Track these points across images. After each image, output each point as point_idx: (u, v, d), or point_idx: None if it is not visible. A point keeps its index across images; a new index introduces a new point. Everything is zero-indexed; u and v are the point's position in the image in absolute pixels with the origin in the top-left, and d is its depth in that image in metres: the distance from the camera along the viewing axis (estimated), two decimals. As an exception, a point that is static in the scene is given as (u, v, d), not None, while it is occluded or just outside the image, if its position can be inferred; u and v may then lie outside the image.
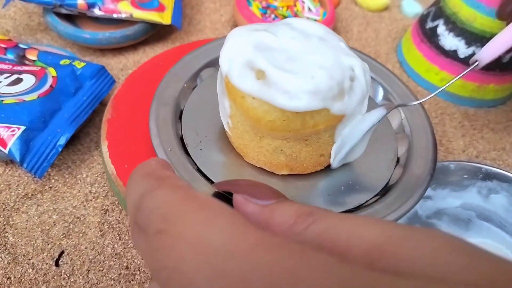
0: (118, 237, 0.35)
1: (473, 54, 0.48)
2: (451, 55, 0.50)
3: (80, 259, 0.33)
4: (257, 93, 0.26)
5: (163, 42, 0.53)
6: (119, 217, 0.36)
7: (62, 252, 0.33)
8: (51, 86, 0.38)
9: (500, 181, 0.38)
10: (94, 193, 0.37)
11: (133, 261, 0.34)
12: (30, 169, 0.35)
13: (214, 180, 0.31)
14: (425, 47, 0.52)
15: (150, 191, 0.14)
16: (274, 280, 0.11)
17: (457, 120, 0.50)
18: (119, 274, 0.33)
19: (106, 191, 0.37)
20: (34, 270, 0.32)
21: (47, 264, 0.33)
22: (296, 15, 0.53)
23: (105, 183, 0.38)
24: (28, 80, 0.39)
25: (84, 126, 0.41)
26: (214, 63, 0.39)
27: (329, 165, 0.33)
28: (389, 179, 0.34)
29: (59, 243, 0.34)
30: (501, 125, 0.51)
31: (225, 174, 0.32)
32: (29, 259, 0.33)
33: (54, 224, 0.35)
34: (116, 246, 0.34)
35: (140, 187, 0.15)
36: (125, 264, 0.33)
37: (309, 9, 0.54)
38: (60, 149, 0.36)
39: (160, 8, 0.50)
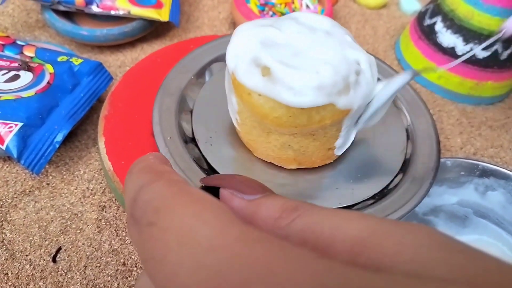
0: (115, 234, 0.35)
1: (471, 51, 0.48)
2: (449, 52, 0.50)
3: (77, 256, 0.33)
4: (262, 90, 0.26)
5: (161, 39, 0.53)
6: (116, 213, 0.36)
7: (60, 249, 0.34)
8: (48, 82, 0.38)
9: (497, 178, 0.38)
10: (91, 190, 0.37)
11: (130, 257, 0.34)
12: (28, 166, 0.35)
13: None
14: (423, 44, 0.52)
15: (146, 184, 0.15)
16: (249, 273, 0.11)
17: (455, 117, 0.50)
18: (116, 270, 0.33)
19: (103, 188, 0.37)
20: (32, 266, 0.32)
21: (44, 260, 0.33)
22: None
23: (102, 180, 0.38)
24: (26, 77, 0.39)
25: (82, 123, 0.42)
26: (223, 58, 0.39)
27: (338, 159, 0.33)
28: (397, 172, 0.34)
29: (57, 240, 0.34)
30: (499, 122, 0.51)
31: (235, 169, 0.32)
32: (27, 255, 0.33)
33: (52, 221, 0.35)
34: (113, 242, 0.34)
35: (138, 180, 0.15)
36: (122, 260, 0.33)
37: (307, 6, 0.54)
38: (57, 146, 0.36)
39: (158, 5, 0.50)
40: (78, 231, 0.35)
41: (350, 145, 0.34)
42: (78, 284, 0.32)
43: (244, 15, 0.52)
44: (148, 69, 0.39)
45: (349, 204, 0.31)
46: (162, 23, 0.53)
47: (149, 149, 0.31)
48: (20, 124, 0.35)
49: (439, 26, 0.50)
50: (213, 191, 0.18)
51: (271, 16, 0.52)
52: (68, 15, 0.50)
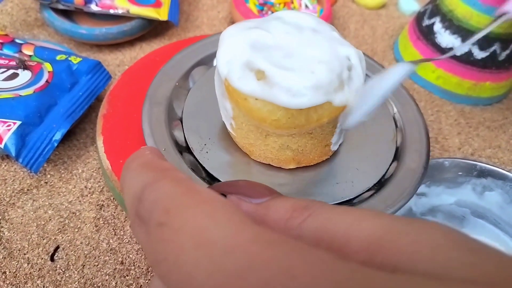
0: (113, 232, 0.35)
1: (470, 51, 0.49)
2: (448, 52, 0.50)
3: (75, 254, 0.33)
4: (259, 94, 0.26)
5: (160, 38, 0.53)
6: (114, 212, 0.36)
7: (58, 247, 0.34)
8: (47, 81, 0.38)
9: (494, 178, 0.38)
10: (89, 189, 0.37)
11: (128, 256, 0.34)
12: (26, 164, 0.35)
13: (222, 181, 0.31)
14: (422, 44, 0.52)
15: (151, 183, 0.14)
16: (270, 277, 0.11)
17: (453, 117, 0.50)
18: (114, 269, 0.33)
19: (101, 187, 0.37)
20: (29, 265, 0.32)
21: (42, 259, 0.33)
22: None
23: (100, 179, 0.38)
24: (24, 75, 0.39)
25: (80, 121, 0.42)
26: (205, 61, 0.39)
27: (334, 154, 0.33)
28: (392, 160, 0.34)
29: (55, 238, 0.34)
30: (497, 123, 0.51)
31: (233, 174, 0.32)
32: (25, 254, 0.33)
33: (50, 219, 0.35)
34: (111, 241, 0.34)
35: (140, 178, 0.15)
36: (120, 259, 0.33)
37: (306, 6, 0.54)
38: (55, 144, 0.36)
39: (157, 4, 0.50)
40: (76, 229, 0.35)
41: (343, 139, 0.35)
42: (76, 283, 0.32)
43: (243, 14, 0.52)
44: (147, 68, 0.39)
45: (351, 197, 0.32)
46: (161, 22, 0.53)
47: (148, 148, 0.31)
48: (18, 123, 0.35)
49: (438, 27, 0.51)
50: None
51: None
52: (67, 14, 0.50)
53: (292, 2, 0.54)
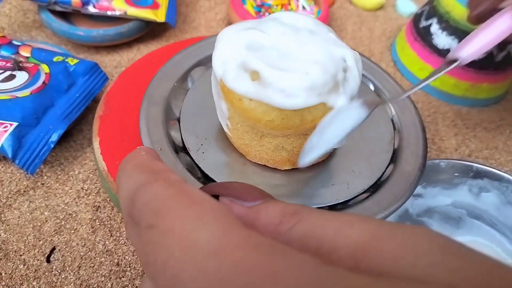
0: (109, 234, 0.35)
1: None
2: (444, 54, 0.50)
3: (71, 256, 0.33)
4: (254, 95, 0.26)
5: (158, 40, 0.53)
6: (110, 214, 0.36)
7: (54, 249, 0.34)
8: (43, 82, 0.39)
9: (490, 179, 0.38)
10: (86, 190, 0.37)
11: (124, 257, 0.34)
12: (22, 165, 0.35)
13: (217, 182, 0.31)
14: (419, 46, 0.52)
15: (144, 184, 0.14)
16: (252, 280, 0.11)
17: (450, 119, 0.50)
18: (110, 271, 0.33)
19: (98, 188, 0.37)
20: (25, 266, 0.32)
21: (38, 260, 0.33)
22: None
23: (97, 180, 0.38)
24: (21, 77, 0.39)
25: (77, 123, 0.42)
26: (204, 62, 0.39)
27: (330, 155, 0.33)
28: (389, 163, 0.34)
29: (51, 240, 0.34)
30: (494, 124, 0.51)
31: (229, 175, 0.32)
32: (21, 255, 0.33)
33: (46, 221, 0.35)
34: (107, 242, 0.34)
35: (134, 179, 0.15)
36: (116, 260, 0.33)
37: (303, 8, 0.54)
38: (52, 146, 0.36)
39: (154, 6, 0.50)
40: (73, 231, 0.35)
41: None
42: (72, 284, 0.32)
43: (241, 16, 0.52)
44: (144, 70, 0.39)
45: (346, 199, 0.32)
46: (158, 24, 0.53)
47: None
48: (15, 124, 0.35)
49: (435, 28, 0.51)
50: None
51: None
52: (64, 16, 0.50)
53: (289, 4, 0.54)
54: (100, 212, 0.36)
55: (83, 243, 0.34)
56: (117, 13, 0.48)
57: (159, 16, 0.50)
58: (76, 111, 0.38)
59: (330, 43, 0.28)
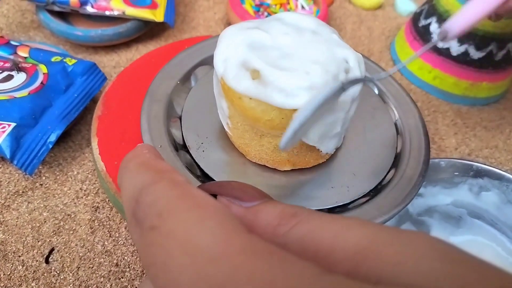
0: (108, 234, 0.35)
1: (466, 52, 0.49)
2: (444, 53, 0.50)
3: (70, 256, 0.33)
4: (253, 94, 0.26)
5: (156, 40, 0.53)
6: (109, 214, 0.36)
7: (52, 249, 0.33)
8: (42, 83, 0.38)
9: (491, 178, 0.38)
10: (84, 190, 0.37)
11: (123, 258, 0.33)
12: (21, 166, 0.35)
13: (217, 180, 0.30)
14: (418, 45, 0.52)
15: (148, 185, 0.14)
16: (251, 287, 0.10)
17: (450, 118, 0.50)
18: (109, 271, 0.33)
19: (96, 189, 0.37)
20: (24, 267, 0.32)
21: (37, 261, 0.33)
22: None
23: (96, 181, 0.38)
24: (19, 77, 0.39)
25: (76, 123, 0.41)
26: (208, 61, 0.39)
27: (331, 157, 0.33)
28: (390, 167, 0.34)
29: (50, 240, 0.34)
30: (494, 123, 0.51)
31: (229, 174, 0.32)
32: (19, 256, 0.33)
33: (45, 221, 0.35)
34: (106, 243, 0.34)
35: (138, 179, 0.15)
36: (115, 261, 0.33)
37: (302, 7, 0.54)
38: (50, 146, 0.36)
39: (153, 6, 0.50)
40: (71, 232, 0.35)
41: (342, 142, 0.34)
42: (71, 285, 0.32)
43: (240, 15, 0.52)
44: (142, 70, 0.39)
45: (345, 202, 0.31)
46: (157, 24, 0.53)
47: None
48: (13, 124, 0.35)
49: (434, 27, 0.51)
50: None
51: (266, 17, 0.52)
52: (63, 16, 0.50)
53: (288, 3, 0.54)
54: (99, 212, 0.36)
55: (82, 244, 0.34)
56: (116, 13, 0.48)
57: (158, 16, 0.49)
58: (74, 112, 0.38)
59: (332, 44, 0.28)
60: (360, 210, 0.31)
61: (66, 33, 0.47)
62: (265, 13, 0.52)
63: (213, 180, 0.31)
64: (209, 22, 0.57)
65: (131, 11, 0.48)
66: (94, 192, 0.37)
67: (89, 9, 0.48)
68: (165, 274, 0.12)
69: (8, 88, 0.38)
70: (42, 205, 0.36)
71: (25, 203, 0.36)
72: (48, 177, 0.38)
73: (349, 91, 0.27)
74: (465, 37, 0.48)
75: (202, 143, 0.33)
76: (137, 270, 0.33)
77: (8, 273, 0.32)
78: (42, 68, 0.40)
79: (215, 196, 0.18)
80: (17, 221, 0.35)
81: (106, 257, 0.33)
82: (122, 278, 0.33)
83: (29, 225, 0.35)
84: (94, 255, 0.33)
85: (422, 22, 0.52)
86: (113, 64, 0.49)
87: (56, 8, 0.48)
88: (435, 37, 0.50)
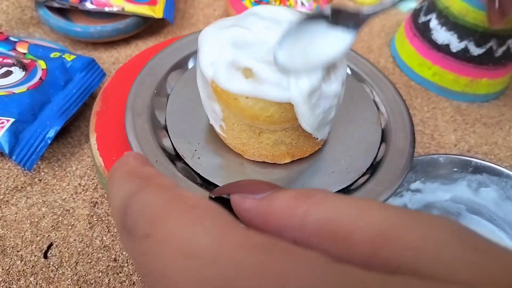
0: (106, 230, 0.35)
1: (466, 48, 0.48)
2: (444, 49, 0.50)
3: (68, 251, 0.33)
4: (250, 92, 0.26)
5: (156, 36, 0.53)
6: (108, 210, 0.36)
7: (51, 244, 0.34)
8: (40, 78, 0.38)
9: (489, 174, 0.38)
10: (83, 186, 0.37)
11: (122, 253, 0.34)
12: (19, 161, 0.35)
13: (219, 185, 0.30)
14: (418, 41, 0.52)
15: (135, 193, 0.14)
16: (258, 282, 0.10)
17: (449, 114, 0.50)
18: (107, 266, 0.33)
19: (95, 184, 0.37)
20: (23, 262, 0.32)
21: (35, 256, 0.33)
22: (289, 9, 0.53)
23: (94, 176, 0.38)
24: (18, 73, 0.39)
25: (75, 119, 0.41)
26: (180, 65, 0.38)
27: (324, 144, 0.34)
28: (380, 142, 0.35)
29: (48, 235, 0.34)
30: (494, 119, 0.50)
31: (228, 176, 0.31)
32: (18, 251, 0.33)
33: (43, 217, 0.35)
34: (104, 238, 0.34)
35: (124, 188, 0.14)
36: (113, 256, 0.33)
37: (302, 4, 0.54)
38: (49, 142, 0.36)
39: (152, 2, 0.50)
40: (70, 227, 0.35)
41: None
42: (69, 280, 0.32)
43: (239, 12, 0.52)
44: (141, 66, 0.39)
45: (348, 184, 0.32)
46: (156, 20, 0.53)
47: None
48: (12, 120, 0.35)
49: (434, 23, 0.50)
50: (223, 201, 0.17)
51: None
52: (62, 12, 0.50)
53: (288, 0, 0.54)
54: (97, 208, 0.36)
55: (81, 239, 0.34)
56: (115, 9, 0.48)
57: (157, 12, 0.49)
58: (73, 107, 0.38)
59: None
60: (364, 189, 0.31)
61: (66, 29, 0.47)
62: (265, 10, 0.52)
63: (215, 185, 0.31)
64: (209, 18, 0.57)
65: (131, 7, 0.48)
66: (92, 188, 0.37)
67: (88, 5, 0.48)
68: (165, 280, 0.11)
69: (7, 83, 0.38)
70: (40, 201, 0.36)
71: (24, 198, 0.36)
72: (47, 173, 0.38)
73: (338, 76, 0.28)
74: (465, 34, 0.48)
75: (195, 150, 0.32)
76: (135, 265, 0.33)
77: (7, 267, 0.32)
78: (41, 64, 0.40)
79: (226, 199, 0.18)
80: (16, 216, 0.35)
81: (105, 252, 0.34)
82: (120, 273, 0.33)
83: (28, 220, 0.35)
84: (93, 250, 0.34)
85: (422, 19, 0.52)
86: (112, 60, 0.49)
87: (56, 5, 0.48)
88: (435, 33, 0.50)
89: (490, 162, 0.38)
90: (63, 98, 0.38)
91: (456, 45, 0.49)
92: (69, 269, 0.32)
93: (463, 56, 0.49)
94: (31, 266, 0.32)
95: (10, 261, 0.32)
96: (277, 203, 0.15)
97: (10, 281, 0.31)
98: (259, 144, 0.31)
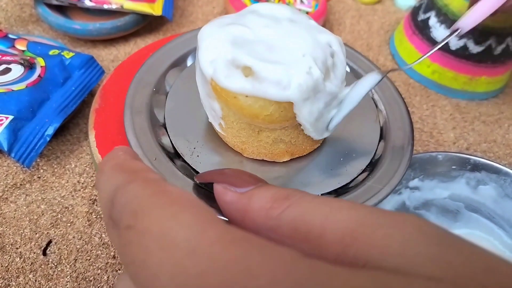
0: (105, 227, 0.35)
1: (465, 46, 0.48)
2: (443, 47, 0.49)
3: (67, 249, 0.33)
4: (250, 91, 0.26)
5: (155, 34, 0.53)
6: (107, 207, 0.36)
7: (50, 242, 0.34)
8: (39, 76, 0.38)
9: (488, 172, 0.38)
10: (82, 183, 0.37)
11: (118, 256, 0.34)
12: (18, 159, 0.35)
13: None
14: (417, 39, 0.52)
15: (122, 185, 0.14)
16: (229, 277, 0.11)
17: (448, 112, 0.50)
18: (106, 263, 0.33)
19: (94, 181, 0.37)
20: (22, 259, 0.32)
21: (34, 253, 0.33)
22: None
23: (93, 173, 0.38)
24: (17, 70, 0.39)
25: (74, 116, 0.41)
26: (178, 63, 0.38)
27: (323, 141, 0.34)
28: (379, 140, 0.35)
29: (47, 233, 0.34)
30: (493, 117, 0.51)
31: None
32: (17, 248, 0.33)
33: (42, 214, 0.35)
34: (103, 235, 0.34)
35: (112, 180, 0.15)
36: (112, 253, 0.33)
37: (301, 1, 0.54)
38: (48, 139, 0.36)
39: (151, -1, 0.50)
40: (69, 224, 0.35)
41: None
42: (68, 277, 0.32)
43: (238, 9, 0.51)
44: (140, 63, 0.39)
45: (347, 182, 0.32)
46: (156, 18, 0.53)
47: (139, 142, 0.31)
48: (10, 117, 0.35)
49: (433, 21, 0.50)
50: (209, 185, 0.18)
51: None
52: (61, 10, 0.50)
53: (287, -3, 0.54)
54: (96, 205, 0.36)
55: (80, 236, 0.34)
56: (114, 6, 0.48)
57: (156, 9, 0.49)
58: (72, 105, 0.38)
59: (313, 30, 0.28)
60: (363, 187, 0.31)
61: (65, 26, 0.47)
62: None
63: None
64: (208, 16, 0.57)
65: (130, 5, 0.48)
66: (91, 185, 0.37)
67: (87, 2, 0.48)
68: (144, 271, 0.12)
69: (6, 81, 0.38)
70: (39, 198, 0.36)
71: (23, 195, 0.36)
72: (46, 170, 0.38)
73: (338, 75, 0.28)
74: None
75: (194, 148, 0.32)
76: (134, 262, 0.33)
77: (6, 265, 0.32)
78: (40, 61, 0.40)
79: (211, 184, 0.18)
80: (15, 214, 0.35)
81: (104, 249, 0.34)
82: (119, 270, 0.33)
83: (27, 218, 0.35)
84: (92, 247, 0.34)
85: (421, 16, 0.52)
86: (111, 58, 0.49)
87: (55, 2, 0.48)
88: (434, 31, 0.50)
89: (489, 160, 0.38)
90: (62, 95, 0.38)
91: (455, 43, 0.49)
92: (68, 266, 0.32)
93: (462, 54, 0.49)
94: (30, 263, 0.32)
95: (9, 258, 0.32)
96: (255, 202, 0.16)
97: (9, 278, 0.31)
98: (258, 143, 0.31)
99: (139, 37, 0.52)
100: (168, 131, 0.33)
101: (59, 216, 0.35)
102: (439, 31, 0.50)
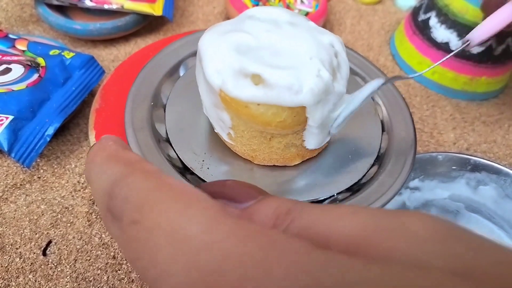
0: (105, 227, 0.35)
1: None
2: (443, 47, 0.50)
3: (67, 249, 0.33)
4: (262, 99, 0.25)
5: (155, 34, 0.53)
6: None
7: (50, 242, 0.34)
8: (39, 76, 0.38)
9: (488, 172, 0.38)
10: (82, 183, 0.37)
11: (120, 250, 0.34)
12: (18, 159, 0.35)
13: None
14: (418, 39, 0.52)
15: (121, 178, 0.14)
16: (244, 270, 0.11)
17: (448, 112, 0.50)
18: (106, 264, 0.33)
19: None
20: (22, 259, 0.32)
21: (34, 253, 0.33)
22: (288, 7, 0.53)
23: (93, 174, 0.38)
24: (17, 70, 0.39)
25: (74, 116, 0.41)
26: (171, 73, 0.37)
27: (329, 142, 0.34)
28: (382, 135, 0.36)
29: (47, 233, 0.34)
30: (493, 118, 0.50)
31: None
32: (17, 248, 0.33)
33: (42, 214, 0.35)
34: (103, 236, 0.34)
35: (108, 173, 0.14)
36: (112, 253, 0.33)
37: (301, 1, 0.53)
38: (48, 139, 0.36)
39: (152, -1, 0.50)
40: (69, 224, 0.35)
41: None
42: (68, 277, 0.32)
43: (238, 10, 0.51)
44: (140, 63, 0.39)
45: (359, 178, 0.32)
46: (156, 18, 0.53)
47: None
48: (11, 117, 0.35)
49: (433, 21, 0.50)
50: None
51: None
52: (61, 10, 0.50)
53: (288, -3, 0.54)
54: (96, 205, 0.36)
55: (80, 236, 0.34)
56: (114, 6, 0.48)
57: (156, 9, 0.49)
58: (72, 105, 0.38)
59: (314, 31, 0.28)
60: (376, 182, 0.32)
61: (65, 27, 0.47)
62: (264, 7, 0.52)
63: None
64: (208, 16, 0.57)
65: (130, 5, 0.48)
66: (91, 185, 0.37)
67: (88, 2, 0.48)
68: (154, 269, 0.12)
69: (6, 81, 0.38)
70: (39, 198, 0.36)
71: (22, 196, 0.36)
72: (46, 170, 0.38)
73: (343, 75, 0.28)
74: (464, 32, 0.48)
75: (203, 161, 0.31)
76: (134, 263, 0.33)
77: (6, 265, 0.32)
78: (40, 62, 0.40)
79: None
80: (14, 214, 0.35)
81: (103, 249, 0.34)
82: (119, 270, 0.33)
83: (27, 218, 0.35)
84: (91, 247, 0.34)
85: (422, 17, 0.52)
86: (111, 58, 0.49)
87: (55, 2, 0.48)
88: (434, 31, 0.50)
89: (489, 160, 0.38)
90: (62, 95, 0.38)
91: (455, 43, 0.49)
92: (68, 266, 0.32)
93: (462, 54, 0.49)
94: (30, 264, 0.32)
95: (9, 259, 0.32)
96: (256, 220, 0.15)
97: (9, 278, 0.31)
98: (269, 149, 0.30)
99: (139, 37, 0.52)
100: (173, 146, 0.32)
101: (59, 216, 0.35)
102: (439, 32, 0.50)
